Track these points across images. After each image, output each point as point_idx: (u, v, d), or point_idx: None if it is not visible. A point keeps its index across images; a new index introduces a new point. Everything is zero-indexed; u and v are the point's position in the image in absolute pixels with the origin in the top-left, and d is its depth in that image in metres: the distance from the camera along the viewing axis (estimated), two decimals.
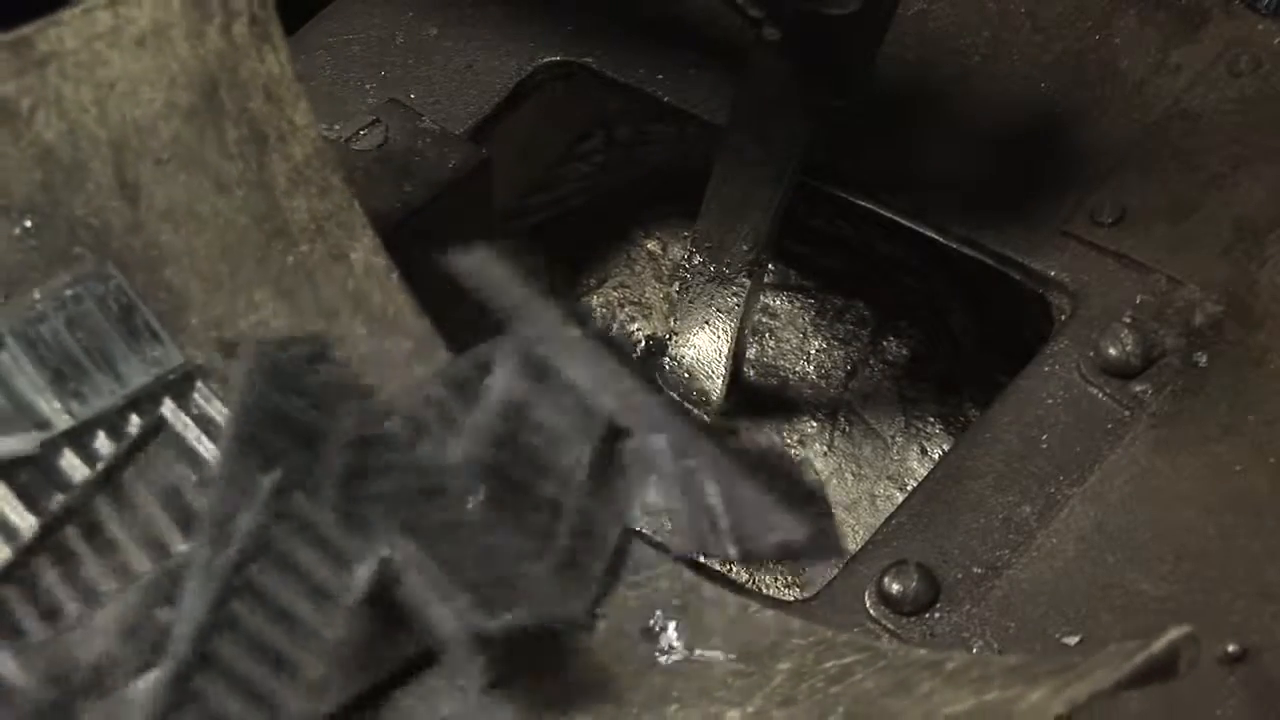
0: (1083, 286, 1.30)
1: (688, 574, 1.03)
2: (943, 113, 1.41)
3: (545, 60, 1.47)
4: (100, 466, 0.98)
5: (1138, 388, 1.23)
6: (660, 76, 1.45)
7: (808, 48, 1.24)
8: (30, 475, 0.97)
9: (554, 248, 1.62)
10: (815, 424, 1.54)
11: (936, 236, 1.38)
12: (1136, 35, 1.43)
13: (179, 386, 1.02)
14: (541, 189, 1.61)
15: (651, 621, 1.00)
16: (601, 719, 0.95)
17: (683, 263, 1.44)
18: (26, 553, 0.94)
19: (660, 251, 1.62)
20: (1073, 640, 1.11)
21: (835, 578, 1.20)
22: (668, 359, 1.51)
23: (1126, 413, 1.22)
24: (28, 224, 1.02)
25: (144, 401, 1.01)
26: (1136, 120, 1.38)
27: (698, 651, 0.99)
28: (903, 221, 1.39)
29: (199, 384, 1.03)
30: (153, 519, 0.98)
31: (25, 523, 0.95)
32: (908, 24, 1.43)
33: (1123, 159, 1.36)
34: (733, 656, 0.98)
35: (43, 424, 0.98)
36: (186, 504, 0.99)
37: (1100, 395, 1.23)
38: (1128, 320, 1.26)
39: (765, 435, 1.54)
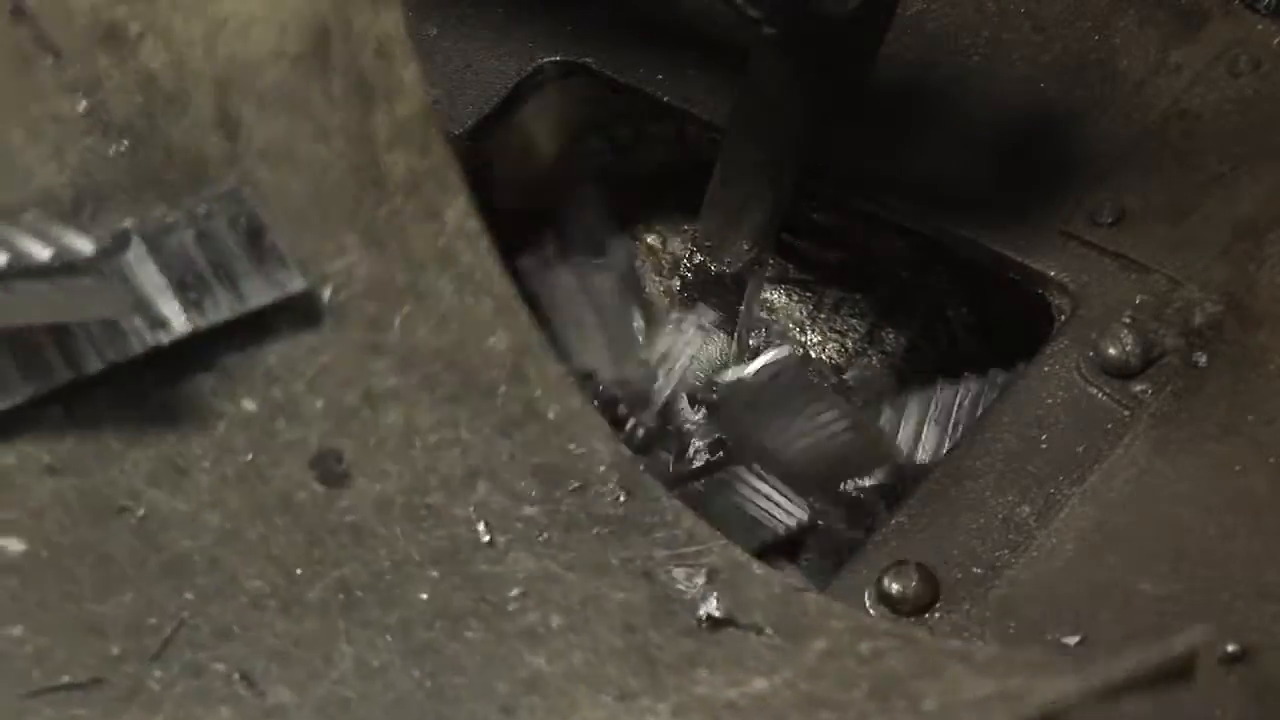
0: (1083, 286, 1.30)
1: (737, 551, 1.04)
2: (943, 113, 1.41)
3: (545, 60, 1.47)
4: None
5: (1137, 388, 1.23)
6: (660, 76, 1.45)
7: (808, 48, 1.24)
8: None
9: (552, 240, 1.62)
10: None
11: (936, 237, 1.38)
12: (1136, 35, 1.43)
13: (300, 309, 1.05)
14: (541, 187, 1.61)
15: (694, 591, 1.01)
16: (624, 674, 0.96)
17: (683, 260, 1.44)
18: None
19: (660, 245, 1.62)
20: (1073, 640, 1.11)
21: (835, 578, 1.20)
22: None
23: (1126, 413, 1.22)
24: (124, 145, 1.03)
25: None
26: (1136, 120, 1.38)
27: (737, 622, 1.00)
28: (902, 222, 1.39)
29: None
30: None
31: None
32: (908, 24, 1.43)
33: (1123, 159, 1.36)
34: (769, 631, 0.99)
35: (161, 323, 0.99)
36: None
37: (1100, 395, 1.23)
38: (1127, 320, 1.26)
39: None
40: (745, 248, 1.37)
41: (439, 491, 1.03)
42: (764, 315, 1.58)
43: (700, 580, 1.02)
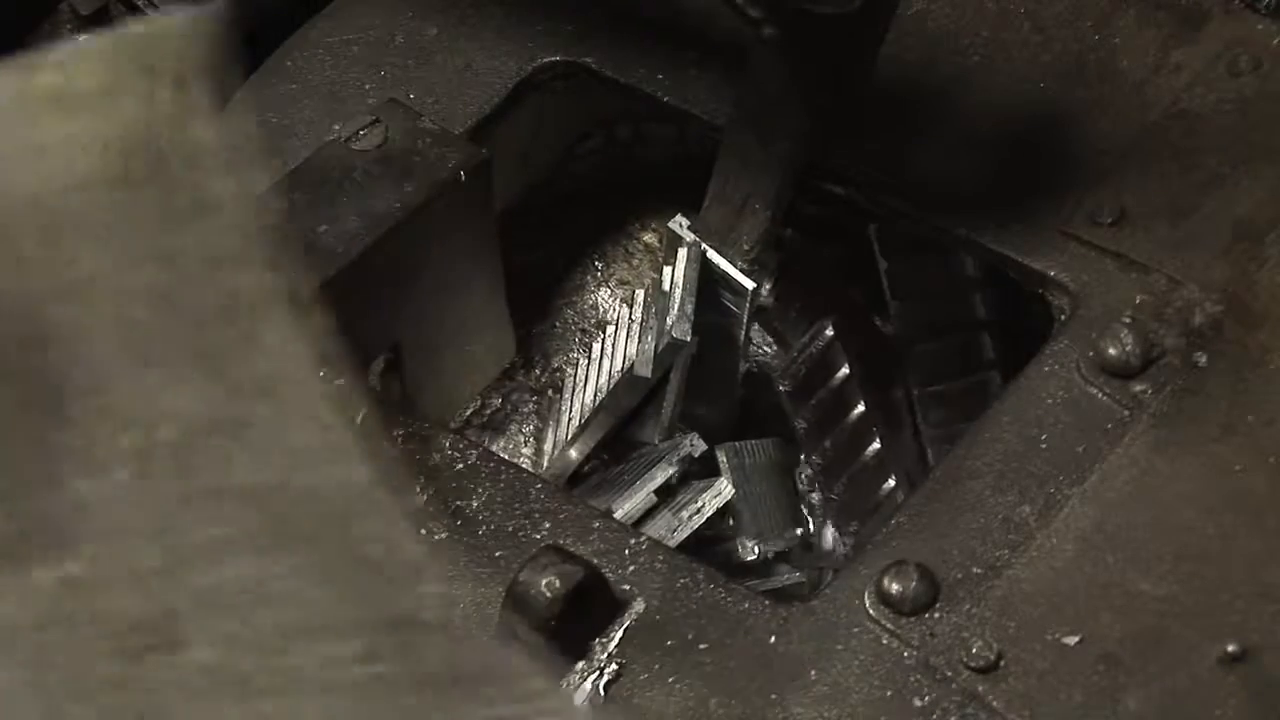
0: (1083, 286, 1.30)
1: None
2: (943, 113, 1.41)
3: (545, 60, 1.47)
4: None
5: (1137, 388, 1.23)
6: (660, 76, 1.45)
7: (808, 48, 1.24)
8: None
9: (552, 240, 1.62)
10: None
11: (936, 237, 1.38)
12: (1136, 35, 1.43)
13: None
14: (541, 187, 1.61)
15: None
16: None
17: None
18: None
19: (658, 245, 1.62)
20: (1072, 640, 1.11)
21: (835, 578, 1.20)
22: None
23: (1126, 413, 1.22)
24: None
25: None
26: (1136, 120, 1.38)
27: None
28: (901, 222, 1.39)
29: None
30: None
31: None
32: (908, 24, 1.43)
33: (1123, 159, 1.36)
34: None
35: None
36: None
37: (1100, 395, 1.23)
38: (1127, 320, 1.26)
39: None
40: (746, 248, 1.37)
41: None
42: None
43: None
